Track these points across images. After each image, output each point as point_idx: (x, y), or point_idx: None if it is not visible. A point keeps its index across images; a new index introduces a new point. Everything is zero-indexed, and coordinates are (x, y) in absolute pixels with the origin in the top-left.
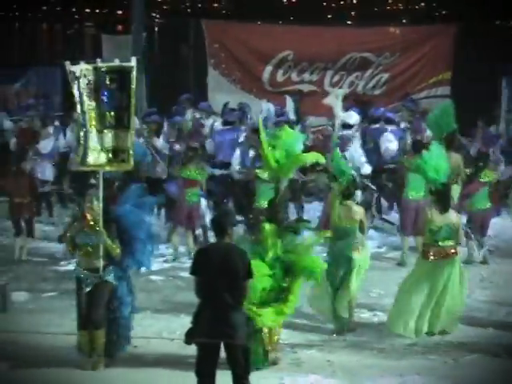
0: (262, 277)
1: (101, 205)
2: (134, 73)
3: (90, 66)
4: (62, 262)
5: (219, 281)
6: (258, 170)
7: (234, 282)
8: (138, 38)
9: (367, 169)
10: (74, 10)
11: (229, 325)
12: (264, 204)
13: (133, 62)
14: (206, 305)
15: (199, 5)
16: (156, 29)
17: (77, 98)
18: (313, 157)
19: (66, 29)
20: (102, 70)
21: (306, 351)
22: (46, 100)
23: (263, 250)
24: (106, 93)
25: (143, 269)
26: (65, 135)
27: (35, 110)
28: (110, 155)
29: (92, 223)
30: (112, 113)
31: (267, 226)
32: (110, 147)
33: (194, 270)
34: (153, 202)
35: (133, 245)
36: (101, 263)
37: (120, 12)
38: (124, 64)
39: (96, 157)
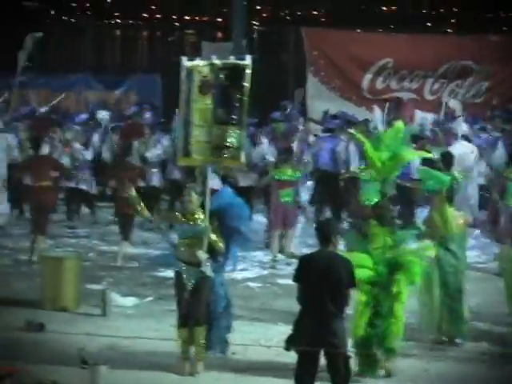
0: (364, 268)
1: (207, 199)
2: (249, 71)
3: (205, 63)
4: (161, 268)
5: (322, 288)
6: (359, 170)
7: (337, 290)
8: (239, 45)
9: (480, 180)
10: (174, 17)
11: (331, 333)
12: (369, 202)
13: (248, 61)
14: (307, 312)
15: (299, 12)
16: (255, 36)
17: (186, 94)
18: (418, 154)
19: (166, 36)
20: (218, 66)
21: (403, 360)
22: (150, 107)
23: (370, 246)
24: (219, 89)
25: (232, 269)
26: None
27: (138, 116)
28: (219, 151)
29: (193, 215)
30: (224, 109)
31: (377, 228)
32: (219, 143)
33: (297, 278)
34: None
35: (231, 238)
36: (203, 257)
37: (220, 19)
38: (239, 62)
39: (203, 151)
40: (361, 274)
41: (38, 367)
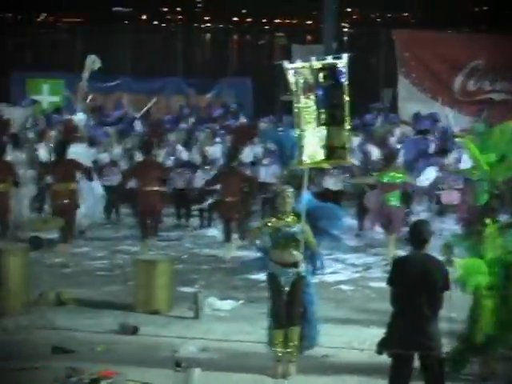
0: (481, 274)
1: (303, 201)
2: (346, 69)
3: (305, 64)
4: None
5: (417, 292)
6: (467, 170)
7: (432, 294)
8: (329, 47)
9: None
10: (264, 21)
11: (426, 336)
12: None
13: (345, 59)
14: (401, 315)
15: (389, 14)
16: (346, 38)
17: (293, 97)
18: None
19: (257, 39)
20: (316, 67)
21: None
22: (238, 109)
23: (482, 249)
24: (320, 90)
25: (321, 270)
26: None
27: (223, 120)
28: (327, 152)
29: (287, 217)
30: (326, 110)
31: (491, 226)
32: (325, 144)
33: (391, 281)
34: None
35: (319, 239)
36: (300, 257)
37: (309, 22)
38: (336, 61)
39: (312, 154)
40: (479, 280)
41: (133, 369)
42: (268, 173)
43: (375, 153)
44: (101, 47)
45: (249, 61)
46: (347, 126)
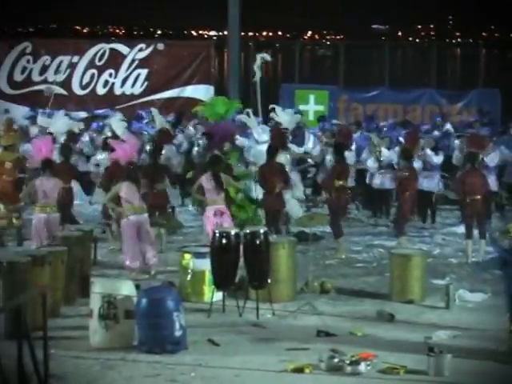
0: None
1: None
2: None
3: None
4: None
5: None
6: None
7: None
8: None
9: None
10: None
11: None
12: None
13: None
14: None
15: None
16: None
17: None
18: None
19: (505, 53)
20: None
21: None
22: (488, 118)
23: None
24: None
25: None
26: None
27: (477, 126)
28: None
29: None
30: None
31: None
32: None
33: None
34: None
35: None
36: None
37: None
38: None
39: None
40: None
41: (389, 353)
42: None
43: None
44: (361, 61)
45: (497, 73)
46: None
